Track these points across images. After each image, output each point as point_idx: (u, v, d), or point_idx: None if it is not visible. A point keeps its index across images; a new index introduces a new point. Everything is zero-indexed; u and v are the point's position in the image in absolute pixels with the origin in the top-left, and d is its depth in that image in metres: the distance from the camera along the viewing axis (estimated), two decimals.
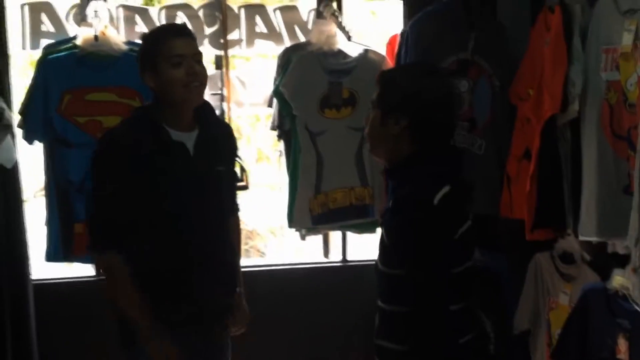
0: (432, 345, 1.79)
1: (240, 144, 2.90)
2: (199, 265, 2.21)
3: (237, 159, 2.50)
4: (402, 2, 3.24)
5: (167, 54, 2.12)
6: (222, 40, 3.06)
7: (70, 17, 2.95)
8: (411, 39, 2.91)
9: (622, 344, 2.33)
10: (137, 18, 2.99)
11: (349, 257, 3.40)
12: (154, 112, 2.19)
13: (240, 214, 2.53)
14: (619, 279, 2.38)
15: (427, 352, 1.80)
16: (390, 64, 3.07)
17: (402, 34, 3.00)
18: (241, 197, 2.65)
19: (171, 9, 3.03)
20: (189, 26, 2.98)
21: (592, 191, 2.47)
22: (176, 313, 2.20)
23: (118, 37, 2.86)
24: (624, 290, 2.36)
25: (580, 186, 2.54)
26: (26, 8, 2.91)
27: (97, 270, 2.82)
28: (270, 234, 4.63)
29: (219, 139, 2.27)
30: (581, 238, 2.56)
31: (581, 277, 2.72)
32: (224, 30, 3.06)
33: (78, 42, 2.81)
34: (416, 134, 1.87)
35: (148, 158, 2.12)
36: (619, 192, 2.39)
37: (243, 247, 4.08)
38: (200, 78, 2.17)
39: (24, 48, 2.94)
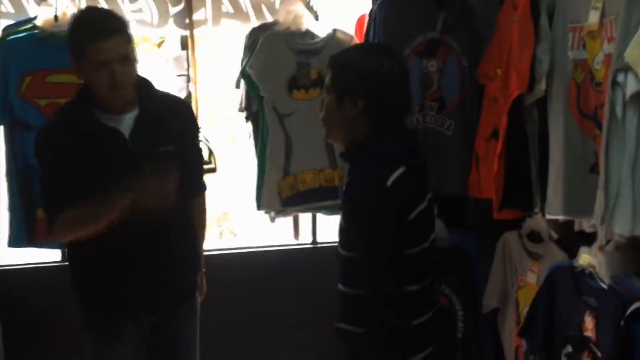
0: (385, 327, 1.79)
1: (205, 123, 2.87)
2: (148, 250, 2.16)
3: (195, 134, 2.41)
4: None
5: (89, 58, 2.04)
6: (187, 20, 3.01)
7: None
8: (379, 19, 2.88)
9: (589, 322, 2.34)
10: None
11: (318, 239, 3.39)
12: (86, 95, 2.14)
13: (206, 194, 2.49)
14: (585, 257, 2.39)
15: (380, 333, 1.80)
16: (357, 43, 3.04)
17: (371, 13, 2.97)
18: (210, 179, 2.62)
19: None
20: (154, 7, 2.95)
21: (559, 170, 2.47)
22: (129, 299, 2.19)
23: None
24: (590, 268, 2.37)
25: (547, 166, 2.54)
26: None
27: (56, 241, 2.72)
28: (242, 216, 4.60)
29: (166, 117, 2.20)
30: (548, 217, 2.56)
31: (548, 256, 2.73)
32: (189, 10, 3.01)
33: (38, 22, 2.76)
34: (372, 115, 1.87)
35: (77, 145, 2.09)
36: (586, 171, 2.39)
37: (217, 229, 4.03)
38: (123, 84, 2.09)
39: None
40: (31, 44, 2.72)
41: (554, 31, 2.48)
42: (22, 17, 2.83)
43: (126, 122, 2.13)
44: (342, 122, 1.88)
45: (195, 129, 2.41)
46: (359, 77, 1.85)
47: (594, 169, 2.34)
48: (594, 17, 2.26)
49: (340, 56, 1.96)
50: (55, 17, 2.72)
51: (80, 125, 2.11)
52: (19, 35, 2.74)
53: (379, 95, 1.86)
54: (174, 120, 2.24)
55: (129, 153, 2.13)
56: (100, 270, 2.19)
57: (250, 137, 3.16)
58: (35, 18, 2.77)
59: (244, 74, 2.98)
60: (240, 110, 3.11)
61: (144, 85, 2.20)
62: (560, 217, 2.52)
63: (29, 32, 2.74)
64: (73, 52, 2.10)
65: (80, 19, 2.16)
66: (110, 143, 2.12)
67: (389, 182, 1.79)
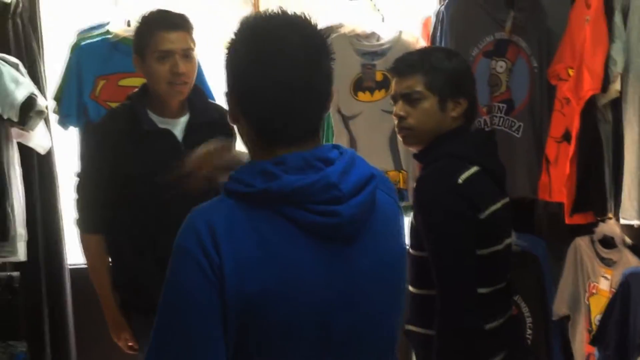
0: (457, 329, 1.75)
1: None
2: None
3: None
4: None
5: (154, 48, 2.10)
6: None
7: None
8: (446, 19, 2.85)
9: None
10: None
11: None
12: (141, 98, 2.20)
13: None
14: None
15: (451, 336, 1.76)
16: (423, 45, 3.01)
17: (437, 14, 2.94)
18: None
19: None
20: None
21: (633, 173, 2.40)
22: None
23: None
24: None
25: (622, 168, 2.46)
26: None
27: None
28: None
29: (211, 124, 2.22)
30: (622, 222, 2.49)
31: (622, 262, 2.65)
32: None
33: (111, 28, 2.81)
34: (468, 113, 1.91)
35: (131, 146, 2.14)
36: None
37: None
38: (184, 78, 2.14)
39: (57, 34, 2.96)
40: (104, 49, 2.79)
41: (628, 30, 2.41)
42: (95, 22, 2.90)
43: (179, 126, 2.19)
44: (442, 124, 1.88)
45: (231, 137, 2.46)
46: (456, 77, 1.89)
47: None
48: None
49: (427, 60, 1.93)
50: (128, 22, 2.78)
51: (137, 124, 2.15)
52: (93, 40, 2.81)
53: (474, 92, 1.95)
54: (220, 128, 2.26)
55: (182, 155, 2.15)
56: (140, 270, 2.20)
57: None
58: (108, 23, 2.83)
59: None
60: None
61: (196, 91, 2.26)
62: (635, 222, 2.44)
63: (102, 37, 2.80)
64: (138, 46, 2.16)
65: (148, 15, 2.23)
66: (164, 144, 2.17)
67: (459, 180, 1.77)
